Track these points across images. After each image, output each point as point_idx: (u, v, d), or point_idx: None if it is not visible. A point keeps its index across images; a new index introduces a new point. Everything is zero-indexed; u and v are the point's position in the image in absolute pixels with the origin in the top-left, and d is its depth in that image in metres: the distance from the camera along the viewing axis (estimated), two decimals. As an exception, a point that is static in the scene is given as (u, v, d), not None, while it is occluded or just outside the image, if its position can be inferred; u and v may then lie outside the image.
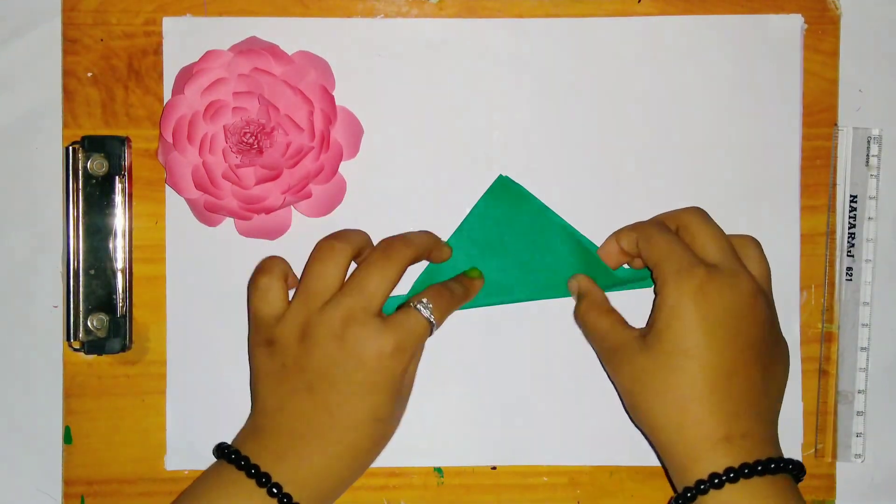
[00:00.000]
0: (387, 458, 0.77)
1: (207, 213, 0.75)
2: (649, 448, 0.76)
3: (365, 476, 0.77)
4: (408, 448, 0.78)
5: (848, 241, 0.79)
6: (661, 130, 0.78)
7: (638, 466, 0.78)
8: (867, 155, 0.79)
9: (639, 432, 0.75)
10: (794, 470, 0.68)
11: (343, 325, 0.69)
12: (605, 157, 0.78)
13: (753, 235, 0.76)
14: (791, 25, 0.78)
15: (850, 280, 0.79)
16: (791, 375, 0.77)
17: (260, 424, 0.71)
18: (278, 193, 0.74)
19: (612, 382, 0.73)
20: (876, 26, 0.79)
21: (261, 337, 0.71)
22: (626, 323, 0.73)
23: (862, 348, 0.79)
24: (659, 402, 0.69)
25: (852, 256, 0.79)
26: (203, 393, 0.77)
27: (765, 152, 0.78)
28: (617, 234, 0.75)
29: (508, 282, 0.77)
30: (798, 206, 0.79)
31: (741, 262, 0.71)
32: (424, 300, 0.71)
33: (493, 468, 0.78)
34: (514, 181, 0.77)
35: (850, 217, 0.79)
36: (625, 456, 0.78)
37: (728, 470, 0.66)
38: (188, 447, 0.77)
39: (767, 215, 0.78)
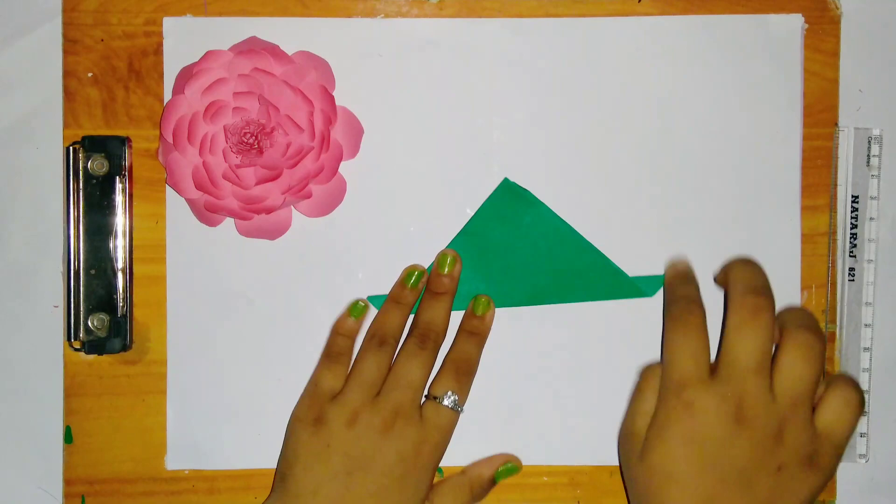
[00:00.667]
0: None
1: (208, 213, 0.75)
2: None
3: (365, 476, 0.78)
4: (408, 448, 0.78)
5: (850, 242, 0.79)
6: (661, 130, 0.78)
7: (638, 467, 0.78)
8: (868, 155, 0.79)
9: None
10: None
11: (393, 419, 0.72)
12: (605, 157, 0.78)
13: (754, 236, 0.77)
14: (791, 25, 0.78)
15: (853, 280, 0.79)
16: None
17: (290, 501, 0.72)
18: (278, 193, 0.74)
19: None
20: (876, 26, 0.79)
21: (311, 412, 0.73)
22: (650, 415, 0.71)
23: (865, 349, 0.79)
24: None
25: (854, 257, 0.79)
26: (203, 393, 0.77)
27: (765, 152, 0.78)
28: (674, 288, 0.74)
29: (512, 286, 0.77)
30: (799, 206, 0.78)
31: (761, 379, 0.67)
32: (449, 392, 0.74)
33: (494, 468, 0.78)
34: (518, 185, 0.77)
35: (851, 217, 0.79)
36: (625, 456, 0.78)
37: None
38: (189, 447, 0.77)
39: (768, 215, 0.78)
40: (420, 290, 0.76)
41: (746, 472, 0.67)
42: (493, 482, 0.76)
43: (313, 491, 0.71)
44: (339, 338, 0.76)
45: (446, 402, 0.73)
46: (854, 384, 0.69)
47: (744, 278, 0.71)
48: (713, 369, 0.69)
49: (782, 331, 0.69)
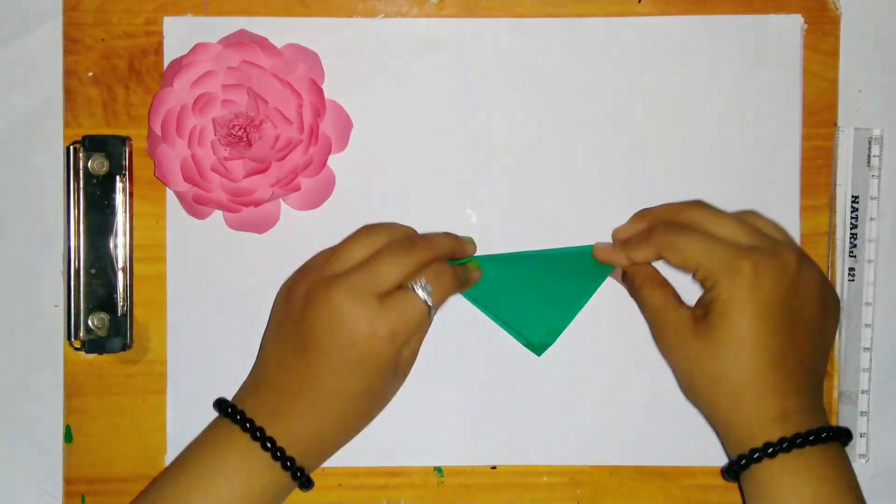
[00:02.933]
0: (387, 458, 0.77)
1: (196, 205, 0.75)
2: (650, 447, 0.76)
3: (365, 475, 0.78)
4: (408, 448, 0.78)
5: (850, 242, 0.79)
6: (661, 130, 0.78)
7: (638, 466, 0.78)
8: (868, 155, 0.79)
9: (639, 432, 0.75)
10: (843, 436, 0.69)
11: (343, 298, 0.69)
12: (605, 156, 0.78)
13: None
14: (791, 25, 0.78)
15: (853, 280, 0.79)
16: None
17: (259, 379, 0.72)
18: (267, 186, 0.74)
19: (664, 356, 0.74)
20: (876, 26, 0.79)
21: (291, 278, 0.73)
22: (679, 299, 0.73)
23: (865, 349, 0.79)
24: (715, 386, 0.70)
25: (854, 257, 0.79)
26: (203, 392, 0.77)
27: (765, 152, 0.78)
28: (628, 251, 0.74)
29: (522, 324, 0.77)
30: (798, 206, 0.78)
31: (776, 236, 0.72)
32: (423, 280, 0.70)
33: (493, 468, 0.78)
34: (486, 259, 0.77)
35: (851, 217, 0.79)
36: (625, 455, 0.78)
37: (781, 440, 0.68)
38: (188, 446, 0.78)
39: (768, 215, 0.78)
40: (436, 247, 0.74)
41: (805, 320, 0.70)
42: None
43: (277, 360, 0.71)
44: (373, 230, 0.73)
45: (417, 288, 0.70)
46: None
47: (670, 208, 0.75)
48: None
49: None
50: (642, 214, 0.76)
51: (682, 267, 0.71)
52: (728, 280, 0.69)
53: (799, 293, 0.70)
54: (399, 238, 0.72)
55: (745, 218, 0.73)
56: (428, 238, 0.73)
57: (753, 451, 0.68)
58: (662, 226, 0.74)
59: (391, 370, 0.70)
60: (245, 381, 0.73)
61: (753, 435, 0.69)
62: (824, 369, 0.73)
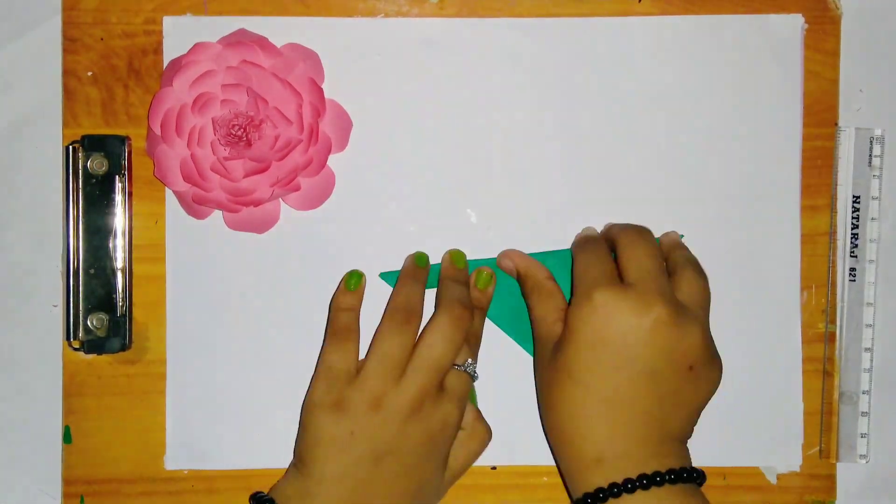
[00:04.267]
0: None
1: (195, 205, 0.75)
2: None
3: (364, 476, 0.77)
4: (408, 448, 0.78)
5: (851, 242, 0.79)
6: (661, 130, 0.78)
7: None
8: (870, 155, 0.79)
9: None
10: (692, 479, 0.67)
11: (420, 401, 0.70)
12: (606, 156, 0.78)
13: (754, 235, 0.77)
14: (792, 25, 0.78)
15: (854, 280, 0.79)
16: (791, 376, 0.78)
17: (313, 492, 0.70)
18: (267, 186, 0.74)
19: None
20: (876, 26, 0.79)
21: (330, 397, 0.71)
22: (562, 313, 0.72)
23: (866, 349, 0.79)
24: (548, 415, 0.71)
25: (855, 257, 0.79)
26: (203, 392, 0.77)
27: (765, 152, 0.78)
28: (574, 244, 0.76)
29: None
30: (799, 206, 0.78)
31: (661, 285, 0.69)
32: (469, 361, 0.73)
33: (493, 468, 0.78)
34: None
35: (852, 217, 0.79)
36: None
37: (598, 490, 0.67)
38: (188, 447, 0.77)
39: (768, 215, 0.78)
40: (429, 267, 0.76)
41: (654, 374, 0.68)
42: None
43: (339, 476, 0.69)
44: (341, 314, 0.74)
45: (467, 368, 0.73)
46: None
47: (612, 228, 0.74)
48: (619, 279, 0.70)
49: (664, 251, 0.74)
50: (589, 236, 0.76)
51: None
52: (578, 307, 0.68)
53: (655, 345, 0.67)
54: (439, 307, 0.73)
55: (675, 260, 0.72)
56: (464, 305, 0.73)
57: (576, 501, 0.68)
58: (586, 237, 0.74)
59: (451, 445, 0.73)
60: (287, 484, 0.72)
61: (573, 475, 0.69)
62: (680, 427, 0.69)
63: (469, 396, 0.74)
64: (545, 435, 0.72)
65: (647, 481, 0.66)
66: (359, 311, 0.75)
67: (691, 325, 0.68)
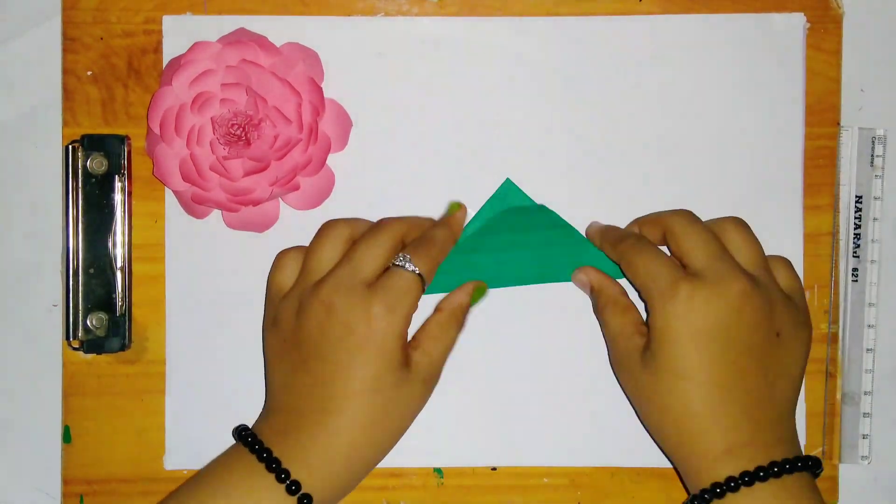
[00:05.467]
0: (387, 459, 0.77)
1: (195, 205, 0.75)
2: (650, 449, 0.76)
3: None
4: (408, 448, 0.77)
5: (853, 242, 0.78)
6: (663, 129, 0.78)
7: (639, 468, 0.78)
8: (872, 155, 0.79)
9: (640, 434, 0.75)
10: (809, 467, 0.67)
11: (331, 294, 0.69)
12: (607, 156, 0.78)
13: (757, 234, 0.76)
14: (793, 24, 0.78)
15: (856, 281, 0.78)
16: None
17: (269, 405, 0.72)
18: (266, 185, 0.74)
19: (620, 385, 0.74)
20: (878, 25, 0.79)
21: (269, 316, 0.73)
22: (640, 324, 0.72)
23: (868, 349, 0.78)
24: (661, 420, 0.70)
25: (857, 257, 0.78)
26: (202, 392, 0.77)
27: (767, 151, 0.78)
28: (603, 241, 0.75)
29: (509, 271, 0.76)
30: (801, 206, 0.78)
31: (730, 261, 0.70)
32: (402, 255, 0.71)
33: (493, 469, 0.78)
34: (517, 187, 0.77)
35: (855, 218, 0.78)
36: (626, 457, 0.78)
37: (728, 479, 0.66)
38: (187, 447, 0.77)
39: (770, 214, 0.78)
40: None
41: (753, 347, 0.68)
42: (469, 306, 0.75)
43: (283, 385, 0.70)
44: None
45: (399, 262, 0.71)
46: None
47: (658, 214, 0.74)
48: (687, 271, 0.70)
49: (711, 225, 0.73)
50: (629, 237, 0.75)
51: (631, 283, 0.72)
52: (662, 306, 0.68)
53: (745, 322, 0.68)
54: (369, 226, 0.73)
55: (725, 232, 0.72)
56: (399, 218, 0.74)
57: (704, 491, 0.67)
58: (631, 237, 0.73)
59: (399, 363, 0.69)
60: (261, 412, 0.73)
61: (701, 472, 0.67)
62: (787, 398, 0.70)
63: (472, 296, 0.74)
64: (655, 440, 0.72)
65: (777, 469, 0.66)
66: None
67: (766, 292, 0.69)
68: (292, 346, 0.70)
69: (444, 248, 0.74)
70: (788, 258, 0.74)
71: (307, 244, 0.74)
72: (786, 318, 0.70)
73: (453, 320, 0.73)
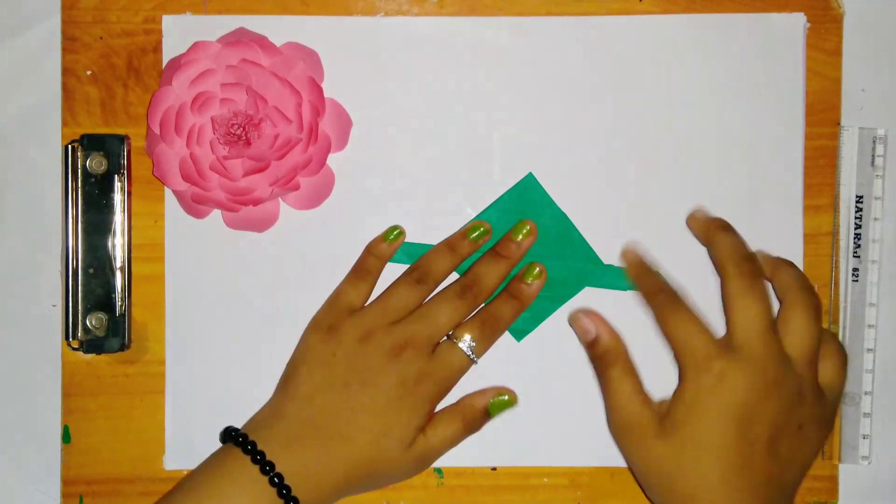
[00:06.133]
0: (386, 459, 0.77)
1: (195, 204, 0.75)
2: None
3: (364, 476, 0.77)
4: (408, 449, 0.78)
5: (854, 242, 0.78)
6: (663, 129, 0.78)
7: (639, 468, 0.78)
8: (873, 155, 0.78)
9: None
10: None
11: (403, 345, 0.72)
12: (607, 156, 0.78)
13: (756, 235, 0.76)
14: (793, 24, 0.78)
15: (857, 281, 0.78)
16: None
17: (282, 409, 0.72)
18: (266, 185, 0.74)
19: (617, 444, 0.73)
20: (879, 25, 0.79)
21: (327, 320, 0.74)
22: (644, 393, 0.72)
23: (868, 350, 0.78)
24: (671, 488, 0.70)
25: (858, 257, 0.78)
26: (202, 392, 0.77)
27: (767, 151, 0.78)
28: (630, 269, 0.75)
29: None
30: (801, 206, 0.78)
31: (772, 344, 0.69)
32: (468, 337, 0.74)
33: (493, 469, 0.78)
34: (539, 183, 0.77)
35: (855, 218, 0.78)
36: (626, 457, 0.78)
37: None
38: (187, 447, 0.77)
39: (770, 214, 0.78)
40: (478, 247, 0.76)
41: (774, 434, 0.68)
42: (487, 414, 0.76)
43: (309, 396, 0.72)
44: (369, 257, 0.76)
45: (462, 344, 0.74)
46: (838, 341, 0.74)
47: (732, 246, 0.73)
48: (725, 342, 0.70)
49: (782, 292, 0.72)
50: (705, 223, 0.75)
51: (665, 340, 0.71)
52: (695, 380, 0.69)
53: (770, 408, 0.68)
54: (456, 280, 0.75)
55: (787, 307, 0.71)
56: (478, 283, 0.75)
57: None
58: (666, 293, 0.73)
59: (413, 434, 0.72)
60: (261, 413, 0.73)
61: None
62: (795, 481, 0.70)
63: (491, 407, 0.75)
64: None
65: None
66: (385, 260, 0.77)
67: (800, 384, 0.69)
68: (341, 363, 0.72)
69: (507, 327, 0.76)
70: (844, 352, 0.73)
71: (306, 244, 0.74)
72: (812, 414, 0.70)
73: (465, 425, 0.75)
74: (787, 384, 0.69)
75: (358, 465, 0.71)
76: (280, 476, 0.69)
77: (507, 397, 0.76)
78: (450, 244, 0.76)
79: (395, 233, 0.76)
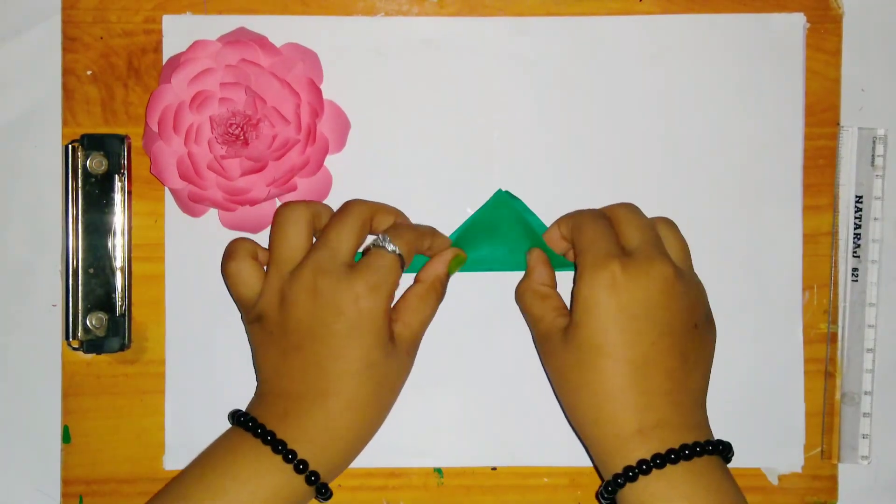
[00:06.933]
0: (387, 459, 0.77)
1: (191, 203, 0.75)
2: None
3: (364, 476, 0.77)
4: (408, 448, 0.78)
5: (853, 242, 0.78)
6: (662, 129, 0.78)
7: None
8: (872, 155, 0.78)
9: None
10: (720, 451, 0.68)
11: (313, 279, 0.69)
12: (606, 156, 0.78)
13: (755, 235, 0.76)
14: (793, 24, 0.78)
15: (856, 281, 0.78)
16: (792, 376, 0.77)
17: (262, 391, 0.72)
18: (263, 186, 0.74)
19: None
20: (878, 25, 0.79)
21: (250, 316, 0.72)
22: (563, 309, 0.72)
23: (868, 350, 0.78)
24: (577, 397, 0.69)
25: (858, 257, 0.78)
26: (202, 392, 0.77)
27: (767, 151, 0.78)
28: (559, 220, 0.75)
29: (481, 259, 0.77)
30: (801, 206, 0.78)
31: (662, 248, 0.71)
32: (382, 236, 0.72)
33: (494, 469, 0.78)
34: (512, 196, 0.77)
35: (855, 217, 0.78)
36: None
37: (640, 462, 0.66)
38: (187, 447, 0.77)
39: (770, 215, 0.78)
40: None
41: (672, 333, 0.68)
42: (447, 276, 0.75)
43: (276, 372, 0.70)
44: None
45: (380, 242, 0.71)
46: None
47: (604, 208, 0.74)
48: (622, 249, 0.71)
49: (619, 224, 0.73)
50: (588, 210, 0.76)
51: (574, 249, 0.72)
52: (591, 276, 0.69)
53: (669, 306, 0.68)
54: (333, 210, 0.73)
55: (659, 226, 0.73)
56: (364, 201, 0.73)
57: (617, 476, 0.67)
58: (590, 211, 0.74)
59: (386, 339, 0.70)
60: (251, 401, 0.73)
61: (613, 452, 0.68)
62: (700, 387, 0.70)
63: (450, 265, 0.75)
64: (571, 421, 0.71)
65: (688, 451, 0.66)
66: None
67: (690, 284, 0.70)
68: (280, 335, 0.70)
69: (422, 235, 0.74)
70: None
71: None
72: (703, 313, 0.71)
73: (432, 291, 0.74)
74: (680, 284, 0.69)
75: (362, 406, 0.70)
76: (283, 443, 0.68)
77: (458, 255, 0.75)
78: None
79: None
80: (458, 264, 0.75)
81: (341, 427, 0.69)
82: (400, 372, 0.72)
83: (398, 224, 0.74)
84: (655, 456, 0.66)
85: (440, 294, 0.74)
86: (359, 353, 0.69)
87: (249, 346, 0.74)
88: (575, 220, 0.73)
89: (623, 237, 0.71)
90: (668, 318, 0.68)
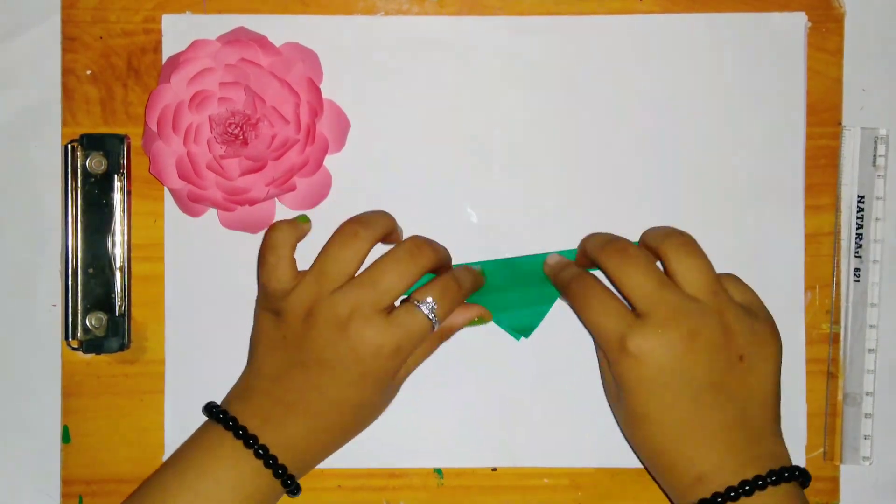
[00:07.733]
0: (387, 459, 0.77)
1: (190, 203, 0.75)
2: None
3: (364, 477, 0.77)
4: (408, 449, 0.78)
5: (855, 242, 0.78)
6: (663, 129, 0.78)
7: (640, 468, 0.77)
8: (874, 155, 0.78)
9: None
10: (794, 478, 0.67)
11: (348, 316, 0.69)
12: (607, 156, 0.78)
13: (757, 235, 0.77)
14: (795, 24, 0.78)
15: (858, 281, 0.78)
16: (794, 377, 0.77)
17: (253, 386, 0.72)
18: (262, 185, 0.74)
19: None
20: (880, 25, 0.79)
21: (269, 305, 0.72)
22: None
23: (869, 350, 0.78)
24: (639, 451, 0.71)
25: (860, 257, 0.78)
26: (201, 392, 0.77)
27: (768, 151, 0.78)
28: (565, 282, 0.73)
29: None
30: (802, 206, 0.78)
31: (672, 295, 0.68)
32: (430, 299, 0.70)
33: (494, 469, 0.78)
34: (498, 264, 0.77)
35: (857, 218, 0.78)
36: (627, 457, 0.77)
37: (701, 501, 0.67)
38: (187, 447, 0.77)
39: (771, 215, 0.78)
40: (440, 259, 0.73)
41: (714, 377, 0.68)
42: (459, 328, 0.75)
43: (275, 375, 0.71)
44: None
45: (423, 307, 0.70)
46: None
47: (594, 239, 0.73)
48: (633, 315, 0.69)
49: (655, 247, 0.70)
50: (581, 245, 0.75)
51: (581, 321, 0.72)
52: (616, 360, 0.68)
53: (698, 360, 0.67)
54: (401, 242, 0.72)
55: (667, 259, 0.69)
56: (434, 244, 0.72)
57: None
58: (577, 278, 0.72)
59: (388, 385, 0.72)
60: (235, 387, 0.73)
61: (679, 498, 0.69)
62: (760, 416, 0.69)
63: (472, 321, 0.75)
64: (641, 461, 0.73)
65: (749, 486, 0.66)
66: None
67: (720, 318, 0.68)
68: (293, 346, 0.70)
69: (465, 297, 0.74)
70: (736, 274, 0.73)
71: (303, 245, 0.74)
72: (748, 339, 0.69)
73: (441, 339, 0.75)
74: (705, 326, 0.67)
75: (341, 432, 0.72)
76: (265, 448, 0.69)
77: (484, 317, 0.75)
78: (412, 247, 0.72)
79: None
80: (481, 323, 0.75)
81: (317, 442, 0.72)
82: (387, 402, 0.74)
83: (449, 283, 0.72)
84: (715, 495, 0.67)
85: (444, 340, 0.75)
86: (361, 394, 0.71)
87: (253, 326, 0.74)
88: (572, 297, 0.71)
89: (626, 294, 0.69)
90: (702, 369, 0.67)
